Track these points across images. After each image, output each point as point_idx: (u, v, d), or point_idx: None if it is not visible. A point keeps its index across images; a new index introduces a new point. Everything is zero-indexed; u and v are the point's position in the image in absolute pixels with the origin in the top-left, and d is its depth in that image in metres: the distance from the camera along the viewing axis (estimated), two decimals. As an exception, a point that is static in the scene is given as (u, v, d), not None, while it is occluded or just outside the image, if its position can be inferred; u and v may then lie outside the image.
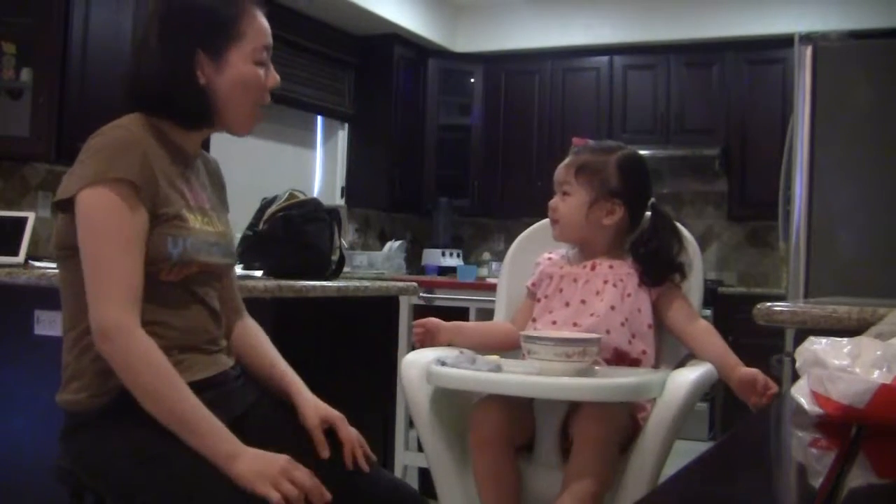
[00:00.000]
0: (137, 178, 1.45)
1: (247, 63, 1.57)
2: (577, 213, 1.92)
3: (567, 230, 1.96)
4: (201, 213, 1.59)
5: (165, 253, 1.48)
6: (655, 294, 1.88)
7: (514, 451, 1.76)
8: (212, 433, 1.42)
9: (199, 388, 1.51)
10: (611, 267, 1.90)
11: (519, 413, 1.77)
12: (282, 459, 1.42)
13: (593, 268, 1.92)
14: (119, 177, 1.44)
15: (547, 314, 1.91)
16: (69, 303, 1.54)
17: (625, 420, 1.71)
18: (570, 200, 1.93)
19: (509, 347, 1.96)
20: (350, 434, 1.61)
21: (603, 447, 1.66)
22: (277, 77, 1.64)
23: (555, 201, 1.96)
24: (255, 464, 1.40)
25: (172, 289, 1.52)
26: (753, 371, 1.71)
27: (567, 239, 1.98)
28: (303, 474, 1.42)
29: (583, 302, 1.89)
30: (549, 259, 2.00)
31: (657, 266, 1.91)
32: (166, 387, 1.42)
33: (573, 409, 1.75)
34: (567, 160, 1.97)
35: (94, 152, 1.47)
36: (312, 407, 1.62)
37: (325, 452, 1.57)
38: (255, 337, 1.73)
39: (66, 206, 1.48)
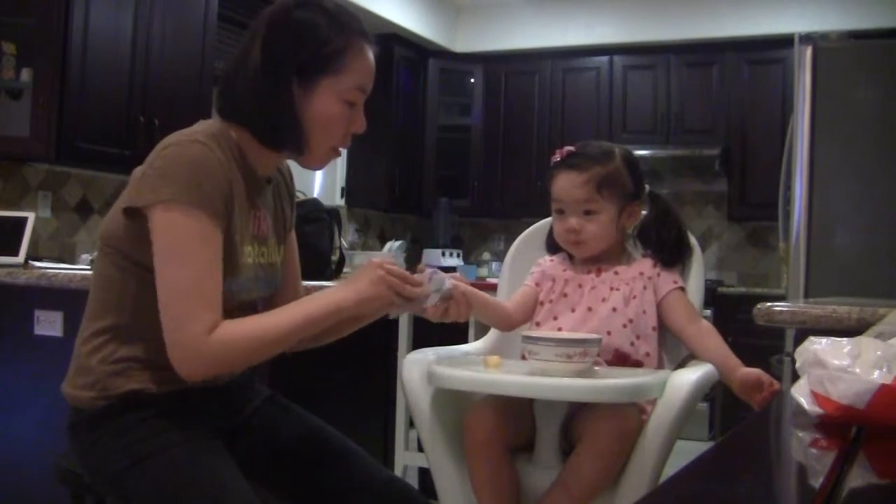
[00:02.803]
0: (217, 206, 1.39)
1: (333, 100, 1.49)
2: (609, 228, 1.86)
3: (595, 247, 1.89)
4: (259, 242, 1.54)
5: None
6: (660, 295, 1.87)
7: (509, 454, 1.75)
8: (315, 307, 1.44)
9: (202, 396, 1.51)
10: (616, 273, 1.89)
11: (516, 414, 1.76)
12: (365, 281, 1.47)
13: (599, 273, 1.90)
14: (200, 202, 1.36)
15: (552, 320, 1.89)
16: (97, 294, 1.51)
17: (633, 425, 1.69)
18: (600, 218, 1.85)
19: (506, 328, 1.96)
20: None
21: (606, 449, 1.65)
22: (364, 122, 1.55)
23: (577, 223, 1.86)
24: (359, 304, 1.47)
25: None
26: (756, 371, 1.71)
27: (592, 255, 1.91)
28: (388, 267, 1.49)
29: (589, 309, 1.86)
30: (551, 261, 1.98)
31: (674, 245, 1.91)
32: (265, 338, 1.41)
33: (574, 410, 1.75)
34: (572, 176, 1.85)
35: (174, 165, 1.39)
36: None
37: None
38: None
39: (129, 212, 1.41)
